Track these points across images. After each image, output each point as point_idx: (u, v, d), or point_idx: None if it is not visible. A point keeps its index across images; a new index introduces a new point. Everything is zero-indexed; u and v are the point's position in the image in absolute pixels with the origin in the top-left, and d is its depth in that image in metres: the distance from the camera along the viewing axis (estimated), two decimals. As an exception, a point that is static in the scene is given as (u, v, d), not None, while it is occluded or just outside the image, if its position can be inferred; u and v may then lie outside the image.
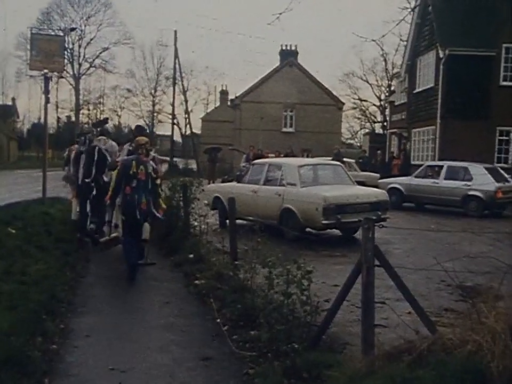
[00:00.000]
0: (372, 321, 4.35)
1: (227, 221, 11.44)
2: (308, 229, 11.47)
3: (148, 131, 13.61)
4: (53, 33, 22.43)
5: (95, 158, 10.78)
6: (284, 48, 44.73)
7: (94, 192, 10.63)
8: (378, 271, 4.51)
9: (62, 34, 37.57)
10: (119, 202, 8.93)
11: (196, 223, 10.56)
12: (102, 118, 34.04)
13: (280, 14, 6.32)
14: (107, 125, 13.26)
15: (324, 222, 10.78)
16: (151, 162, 8.96)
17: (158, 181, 9.08)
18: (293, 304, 5.22)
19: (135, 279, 8.26)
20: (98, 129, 11.95)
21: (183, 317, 6.49)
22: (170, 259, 9.64)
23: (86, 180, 10.74)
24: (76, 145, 11.51)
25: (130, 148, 10.24)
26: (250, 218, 11.76)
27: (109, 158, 10.80)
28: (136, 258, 8.47)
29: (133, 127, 16.47)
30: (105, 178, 10.55)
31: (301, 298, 5.15)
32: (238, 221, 9.20)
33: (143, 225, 8.65)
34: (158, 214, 8.96)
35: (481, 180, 16.60)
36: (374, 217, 10.57)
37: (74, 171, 11.17)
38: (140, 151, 8.67)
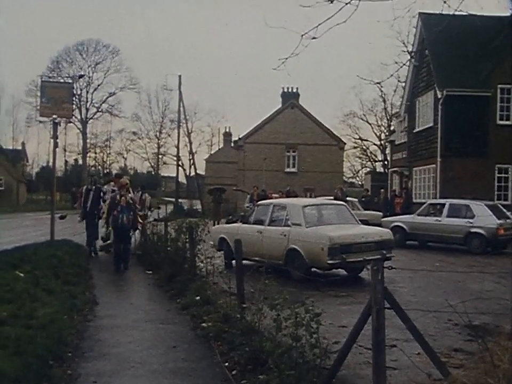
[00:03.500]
0: (384, 365, 4.20)
1: (233, 261, 11.35)
2: (313, 269, 11.33)
3: (126, 176, 17.52)
4: (62, 80, 22.71)
5: (101, 195, 15.45)
6: (285, 90, 45.24)
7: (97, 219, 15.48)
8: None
9: (70, 81, 38.16)
10: (112, 224, 13.39)
11: (202, 265, 10.44)
12: (107, 172, 40.92)
13: (286, 59, 6.30)
14: (111, 176, 18.39)
15: (329, 261, 10.65)
16: (129, 195, 13.84)
17: (136, 205, 14.24)
18: (302, 347, 5.08)
19: (119, 271, 12.96)
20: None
21: (191, 361, 6.32)
22: (177, 301, 9.49)
23: (93, 209, 15.33)
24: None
25: (112, 187, 15.18)
26: (256, 258, 11.63)
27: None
28: (121, 258, 13.14)
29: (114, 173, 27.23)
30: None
31: (310, 341, 5.01)
32: (244, 262, 9.09)
33: (127, 234, 13.34)
34: (137, 227, 14.28)
35: (483, 217, 16.50)
36: (379, 256, 10.48)
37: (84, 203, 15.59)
38: (122, 188, 13.62)
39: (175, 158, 51.09)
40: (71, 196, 48.80)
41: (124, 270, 13.14)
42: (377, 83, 33.09)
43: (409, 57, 26.05)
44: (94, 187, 15.82)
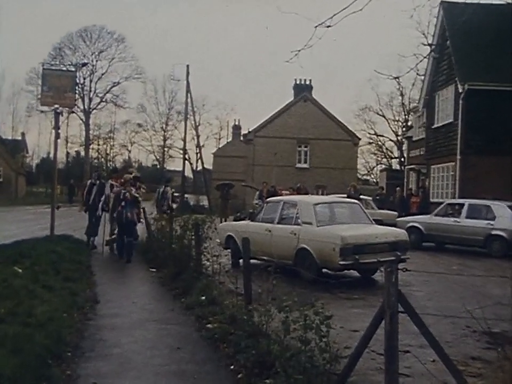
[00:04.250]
0: (396, 372, 4.21)
1: (240, 261, 11.38)
2: (324, 270, 11.35)
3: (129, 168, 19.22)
4: (64, 68, 22.77)
5: (105, 189, 16.09)
6: (298, 82, 45.15)
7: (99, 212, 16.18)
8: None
9: (73, 69, 38.30)
10: (116, 219, 14.62)
11: (208, 263, 10.48)
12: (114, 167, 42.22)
13: (299, 51, 6.32)
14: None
15: (341, 262, 10.66)
16: (133, 189, 14.62)
17: (140, 200, 15.01)
18: (311, 351, 5.10)
19: (123, 260, 14.14)
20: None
21: (195, 363, 6.36)
22: (181, 301, 9.53)
23: (95, 203, 16.02)
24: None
25: (112, 182, 16.17)
26: (265, 258, 11.67)
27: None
28: (123, 249, 14.33)
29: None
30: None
31: (320, 345, 5.02)
32: (252, 261, 9.12)
33: (131, 228, 14.34)
34: (140, 220, 15.25)
35: (504, 218, 16.40)
36: (394, 258, 10.48)
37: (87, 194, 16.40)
38: (126, 183, 14.55)
39: (181, 152, 51.20)
40: (69, 189, 48.92)
41: (126, 263, 14.01)
42: (395, 78, 32.83)
43: (429, 50, 25.91)
44: (98, 181, 16.54)
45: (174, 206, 19.32)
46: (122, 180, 15.21)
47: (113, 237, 15.67)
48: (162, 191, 18.76)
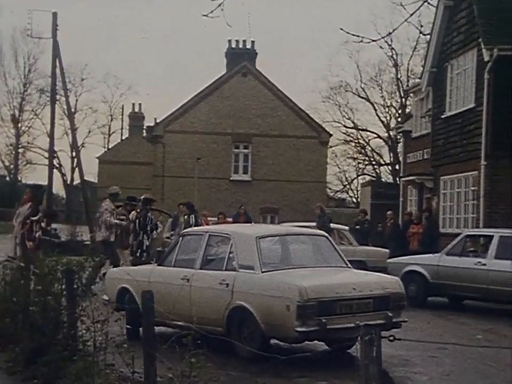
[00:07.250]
0: None
1: (141, 329, 11.36)
2: (273, 341, 11.43)
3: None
4: None
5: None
6: (233, 46, 45.25)
7: None
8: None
9: None
10: None
11: (88, 334, 10.42)
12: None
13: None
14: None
15: (299, 329, 10.71)
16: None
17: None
18: None
19: None
20: None
21: None
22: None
23: None
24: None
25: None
26: (179, 323, 11.65)
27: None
28: None
29: None
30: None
31: None
32: (158, 328, 9.09)
33: None
34: None
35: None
36: (381, 322, 10.65)
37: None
38: None
39: (46, 155, 50.67)
40: None
41: None
42: (376, 40, 33.29)
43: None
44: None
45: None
46: None
47: None
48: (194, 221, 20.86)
